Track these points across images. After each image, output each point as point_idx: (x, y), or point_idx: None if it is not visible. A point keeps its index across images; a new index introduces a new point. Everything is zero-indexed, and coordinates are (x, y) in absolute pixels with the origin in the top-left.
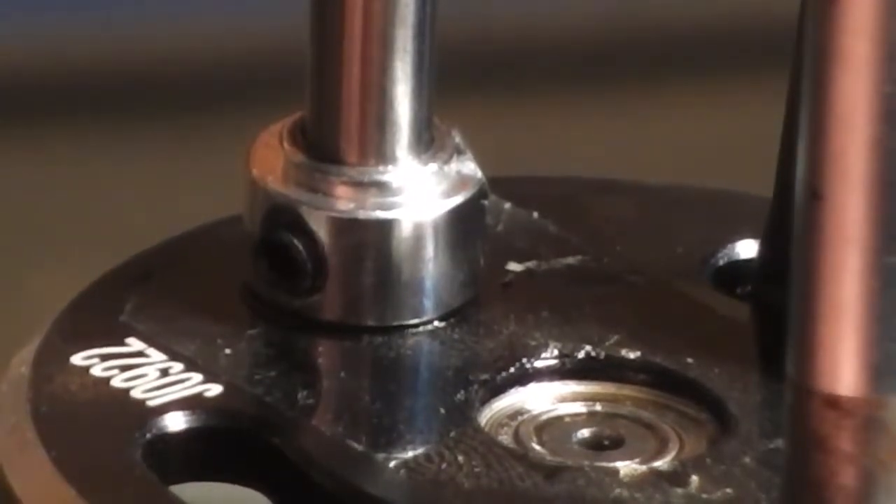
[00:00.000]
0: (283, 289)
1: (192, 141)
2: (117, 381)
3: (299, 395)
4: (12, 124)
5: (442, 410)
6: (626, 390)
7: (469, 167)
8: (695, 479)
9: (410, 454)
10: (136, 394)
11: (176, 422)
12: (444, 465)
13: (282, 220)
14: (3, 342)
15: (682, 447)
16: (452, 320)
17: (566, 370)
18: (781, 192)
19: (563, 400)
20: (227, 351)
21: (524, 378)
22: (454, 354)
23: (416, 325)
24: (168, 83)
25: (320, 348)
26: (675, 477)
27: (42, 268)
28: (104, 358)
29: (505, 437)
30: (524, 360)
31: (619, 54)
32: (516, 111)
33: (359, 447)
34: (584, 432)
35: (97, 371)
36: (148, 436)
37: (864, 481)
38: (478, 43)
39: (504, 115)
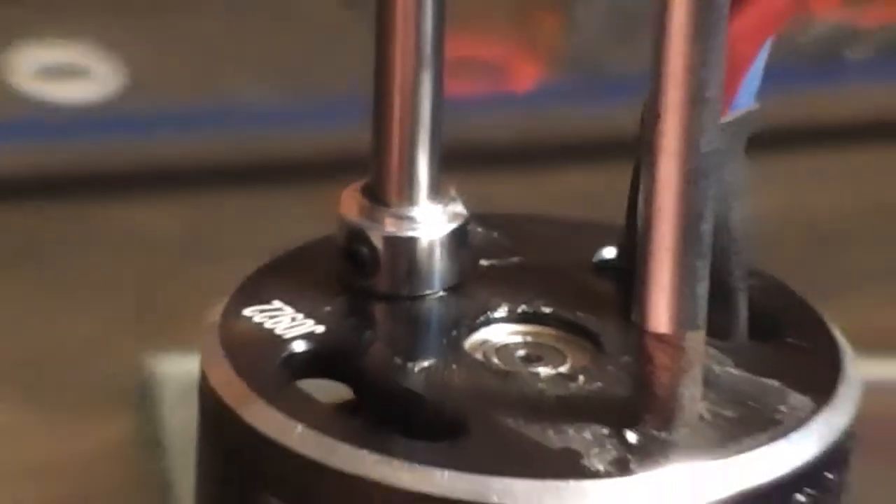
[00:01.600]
0: (355, 276)
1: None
2: (268, 324)
3: (366, 333)
4: None
5: (444, 341)
6: (546, 330)
7: (460, 207)
8: (581, 377)
9: (427, 363)
10: (278, 330)
11: (299, 346)
12: (445, 370)
13: (355, 238)
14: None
15: (575, 362)
16: (451, 291)
17: (512, 318)
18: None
19: (511, 334)
20: (328, 308)
21: (488, 322)
22: (451, 310)
23: (431, 294)
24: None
25: (376, 308)
26: (570, 377)
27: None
28: (260, 311)
29: (478, 356)
30: (488, 312)
31: None
32: None
33: (398, 360)
34: (521, 352)
35: (256, 318)
36: (283, 354)
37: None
38: None
39: None
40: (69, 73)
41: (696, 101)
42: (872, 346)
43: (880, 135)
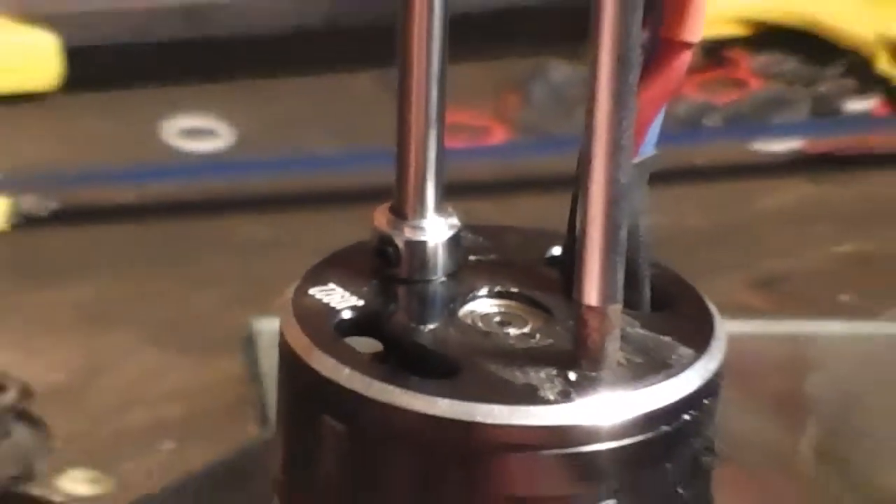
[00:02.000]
0: (384, 267)
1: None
2: (325, 299)
3: (391, 305)
4: None
5: (444, 311)
6: (514, 303)
7: (455, 220)
8: (537, 335)
9: (432, 326)
10: (332, 304)
11: (346, 314)
12: (445, 330)
13: (384, 241)
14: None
15: (534, 325)
16: (449, 277)
17: (491, 295)
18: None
19: (490, 306)
20: (365, 289)
21: (475, 298)
22: (449, 290)
23: (435, 279)
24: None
25: (398, 289)
26: (530, 335)
27: None
28: (320, 290)
29: (468, 321)
30: (475, 291)
31: None
32: None
33: (413, 324)
34: (497, 318)
35: (317, 295)
36: (335, 320)
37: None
38: None
39: None
40: (201, 134)
41: (615, 148)
42: (729, 314)
43: (728, 175)
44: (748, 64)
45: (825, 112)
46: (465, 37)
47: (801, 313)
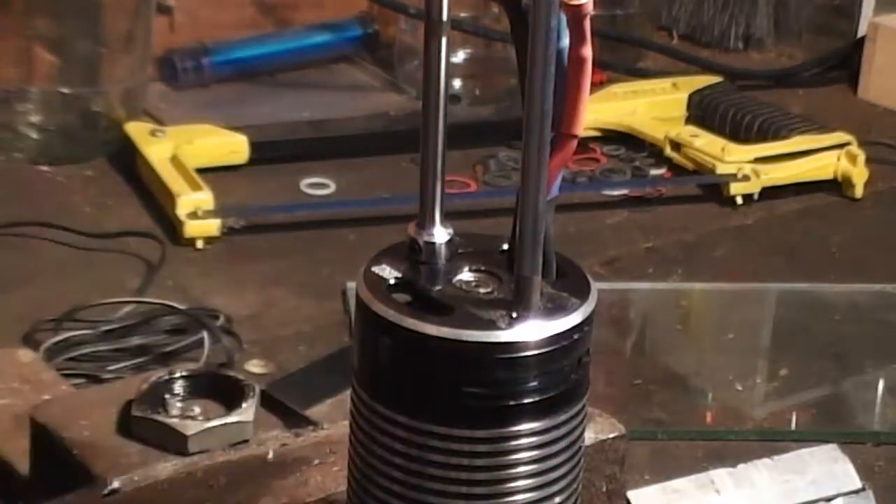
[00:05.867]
0: (413, 255)
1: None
2: (380, 273)
3: (415, 276)
4: None
5: (444, 279)
6: (482, 275)
7: (450, 229)
8: (495, 292)
9: (438, 287)
10: (383, 275)
11: (391, 281)
12: (444, 289)
13: (413, 241)
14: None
15: (493, 286)
16: (447, 261)
17: (470, 270)
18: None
19: (469, 277)
20: (402, 267)
21: (461, 272)
22: (447, 268)
23: (440, 262)
24: None
25: (420, 268)
26: (491, 292)
27: None
28: (378, 268)
29: (458, 284)
30: (461, 268)
31: None
32: None
33: (428, 286)
34: (473, 283)
35: (376, 270)
36: (386, 284)
37: None
38: None
39: None
40: (319, 186)
41: (538, 191)
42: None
43: (589, 207)
44: (600, 150)
45: (638, 175)
46: (455, 136)
47: (625, 279)
